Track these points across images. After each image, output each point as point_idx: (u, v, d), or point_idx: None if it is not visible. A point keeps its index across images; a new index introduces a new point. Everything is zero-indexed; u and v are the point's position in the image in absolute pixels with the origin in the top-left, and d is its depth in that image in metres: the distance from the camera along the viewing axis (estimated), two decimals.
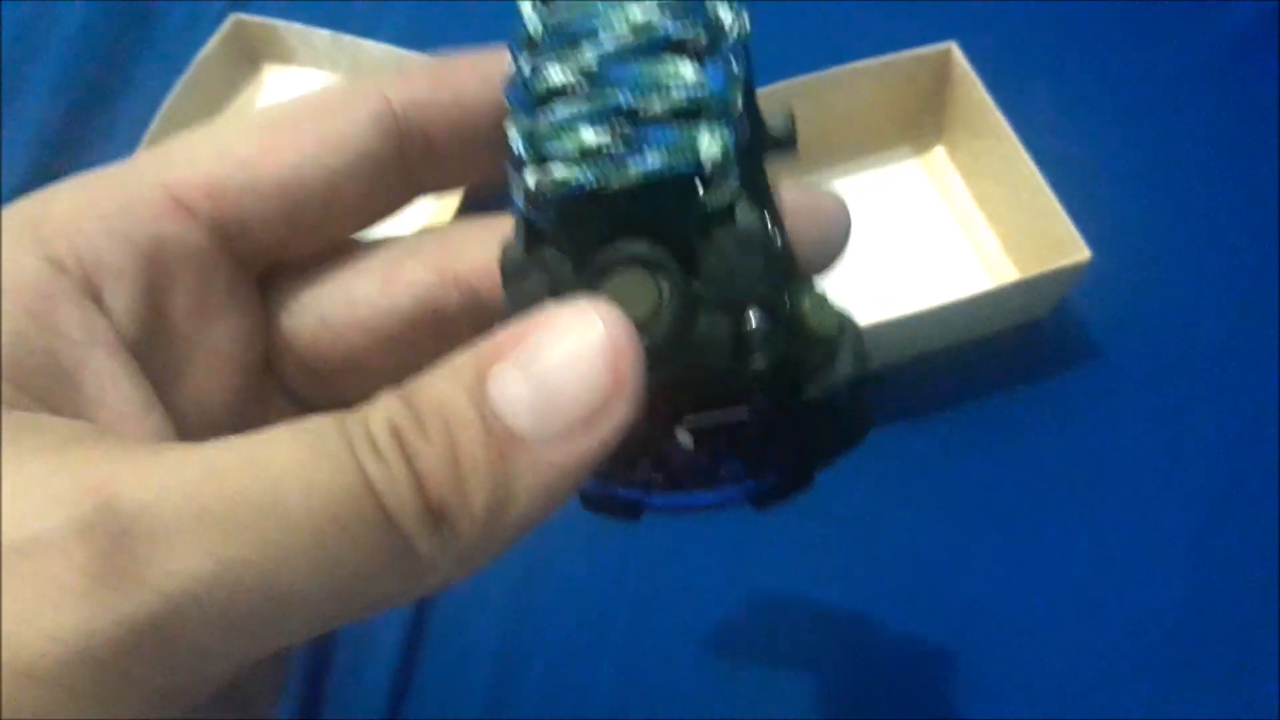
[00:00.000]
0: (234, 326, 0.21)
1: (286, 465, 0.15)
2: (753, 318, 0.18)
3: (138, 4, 0.61)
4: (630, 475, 0.20)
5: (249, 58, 0.59)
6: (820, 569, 0.46)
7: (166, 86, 0.54)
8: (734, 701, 0.44)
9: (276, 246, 0.21)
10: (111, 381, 0.18)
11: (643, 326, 0.17)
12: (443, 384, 0.16)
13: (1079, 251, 0.47)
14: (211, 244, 0.20)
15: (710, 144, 0.18)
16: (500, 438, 0.15)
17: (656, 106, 0.18)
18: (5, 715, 0.13)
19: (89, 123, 0.56)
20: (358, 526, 0.15)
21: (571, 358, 0.16)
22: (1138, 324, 0.52)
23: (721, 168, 0.18)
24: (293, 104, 0.21)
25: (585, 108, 0.18)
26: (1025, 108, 0.52)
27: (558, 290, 0.18)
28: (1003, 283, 0.49)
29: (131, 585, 0.13)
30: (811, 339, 0.19)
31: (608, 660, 0.44)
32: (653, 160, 0.17)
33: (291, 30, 0.58)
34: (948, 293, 0.47)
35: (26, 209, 0.19)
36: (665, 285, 0.17)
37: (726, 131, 0.18)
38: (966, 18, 0.57)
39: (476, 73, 0.22)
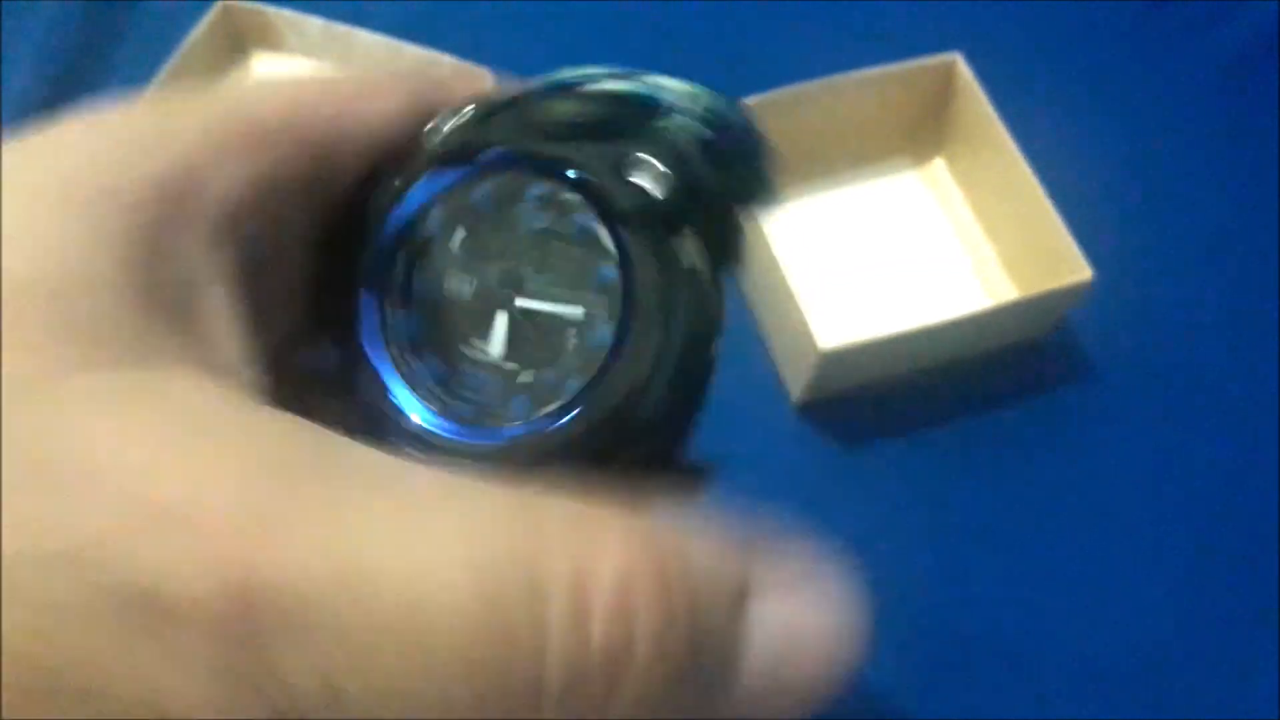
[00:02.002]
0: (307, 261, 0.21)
1: (444, 606, 0.12)
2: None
3: None
4: None
5: (237, 45, 0.57)
6: None
7: (148, 74, 0.52)
8: None
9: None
10: (225, 326, 0.16)
11: None
12: (702, 580, 0.13)
13: (1080, 271, 0.46)
14: (315, 177, 0.19)
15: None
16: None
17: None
18: None
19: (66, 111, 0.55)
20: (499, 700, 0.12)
21: (811, 653, 0.15)
22: (1137, 345, 0.51)
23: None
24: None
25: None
26: (1028, 121, 0.51)
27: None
28: (1001, 301, 0.48)
29: (259, 684, 0.11)
30: None
31: None
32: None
33: (282, 17, 0.56)
34: (944, 310, 0.46)
35: (141, 120, 0.17)
36: None
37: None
38: (972, 29, 0.56)
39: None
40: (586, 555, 0.12)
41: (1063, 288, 0.46)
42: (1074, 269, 0.46)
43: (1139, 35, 0.60)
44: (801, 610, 0.15)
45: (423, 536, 0.12)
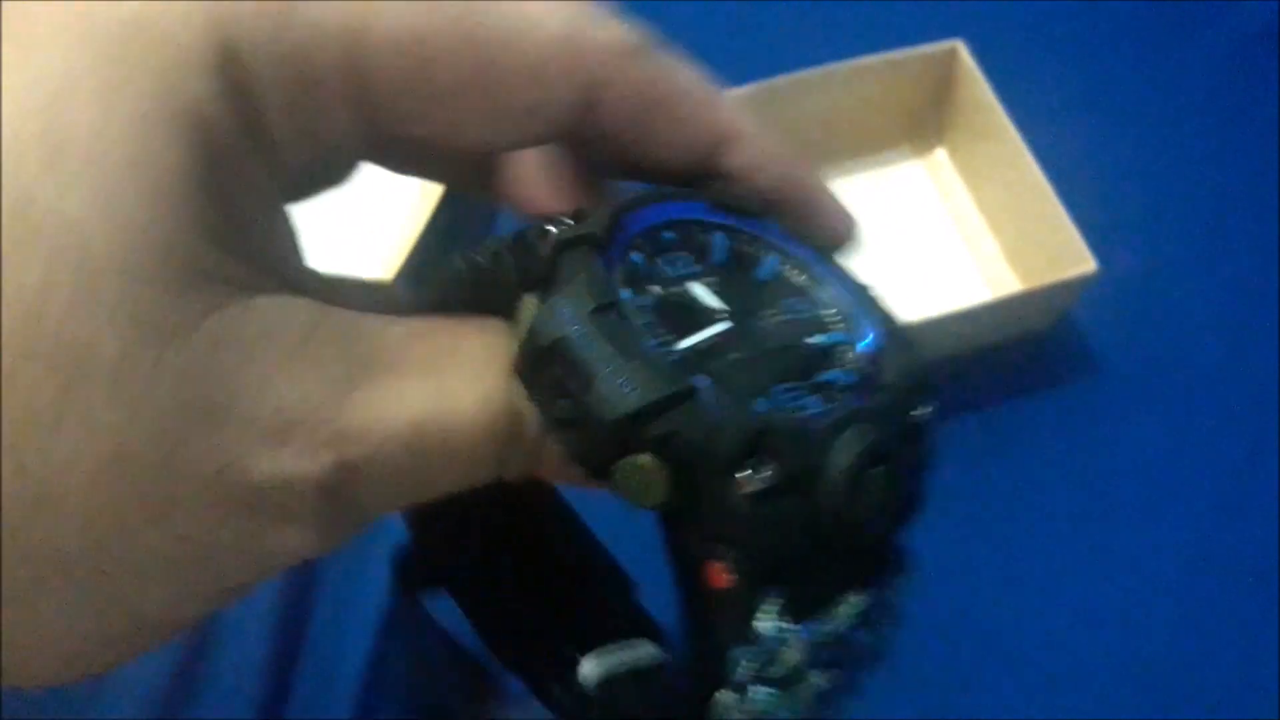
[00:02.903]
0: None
1: (462, 424, 0.17)
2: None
3: None
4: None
5: None
6: None
7: None
8: None
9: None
10: (289, 239, 0.17)
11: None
12: None
13: (1085, 263, 0.45)
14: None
15: None
16: None
17: None
18: None
19: None
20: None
21: None
22: (1141, 337, 0.51)
23: None
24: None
25: None
26: (1032, 110, 0.50)
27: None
28: (1004, 293, 0.47)
29: (346, 526, 0.16)
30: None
31: None
32: None
33: None
34: (946, 302, 0.45)
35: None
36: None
37: None
38: (974, 17, 0.55)
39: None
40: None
41: (1066, 280, 0.45)
42: (1078, 261, 0.45)
43: (1144, 23, 0.60)
44: None
45: (447, 394, 0.17)
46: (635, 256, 0.18)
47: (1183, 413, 0.49)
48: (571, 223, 0.18)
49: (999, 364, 0.49)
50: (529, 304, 0.17)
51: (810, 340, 0.19)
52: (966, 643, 0.44)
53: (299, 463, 0.15)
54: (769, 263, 0.20)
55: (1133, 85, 0.58)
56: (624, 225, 0.18)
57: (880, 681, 0.44)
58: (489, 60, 0.17)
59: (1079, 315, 0.50)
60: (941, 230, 0.52)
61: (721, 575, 0.16)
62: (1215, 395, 0.49)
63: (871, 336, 0.20)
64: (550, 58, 0.17)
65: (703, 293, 0.19)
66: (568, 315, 0.16)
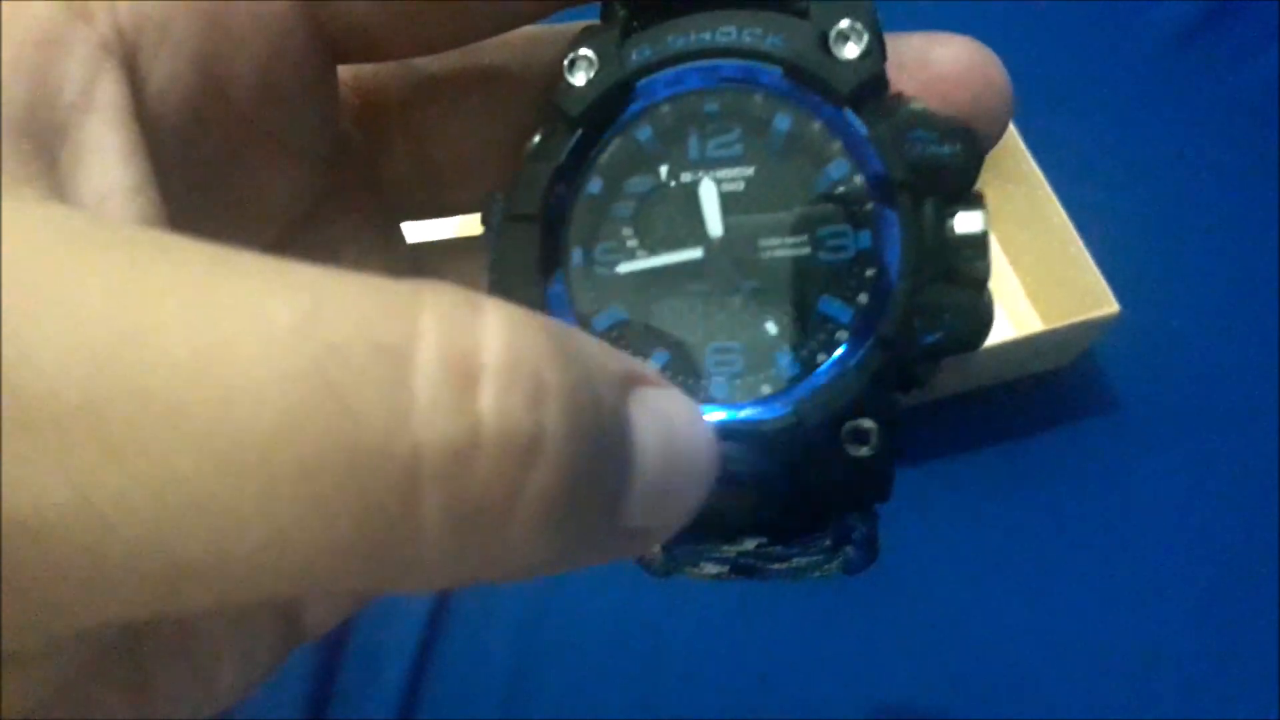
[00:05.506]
0: (305, 115, 0.18)
1: (249, 387, 0.09)
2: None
3: None
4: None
5: None
6: (837, 609, 0.45)
7: None
8: None
9: (371, 34, 0.17)
10: (99, 157, 0.15)
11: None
12: (593, 360, 0.12)
13: (1107, 304, 0.46)
14: (294, 14, 0.17)
15: None
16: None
17: None
18: None
19: None
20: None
21: (691, 436, 0.13)
22: (1161, 377, 0.51)
23: None
24: None
25: None
26: (1057, 155, 0.51)
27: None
28: (1026, 332, 0.49)
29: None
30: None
31: (620, 681, 0.44)
32: None
33: None
34: None
35: None
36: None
37: None
38: (1001, 59, 0.56)
39: None
40: (462, 326, 0.10)
41: (1089, 320, 0.46)
42: (1100, 302, 0.46)
43: (1168, 71, 0.60)
44: (675, 396, 0.13)
45: (230, 307, 0.09)
46: (641, 133, 0.17)
47: (1201, 452, 0.50)
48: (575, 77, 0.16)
49: (1020, 400, 0.50)
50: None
51: (766, 326, 0.17)
52: (984, 677, 0.44)
53: None
54: (830, 171, 0.17)
55: (1157, 132, 0.59)
56: (639, 91, 0.16)
57: (896, 710, 0.45)
58: None
59: (1100, 354, 0.51)
60: None
61: None
62: (1233, 435, 0.50)
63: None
64: None
65: (709, 197, 0.16)
66: (494, 215, 0.16)
